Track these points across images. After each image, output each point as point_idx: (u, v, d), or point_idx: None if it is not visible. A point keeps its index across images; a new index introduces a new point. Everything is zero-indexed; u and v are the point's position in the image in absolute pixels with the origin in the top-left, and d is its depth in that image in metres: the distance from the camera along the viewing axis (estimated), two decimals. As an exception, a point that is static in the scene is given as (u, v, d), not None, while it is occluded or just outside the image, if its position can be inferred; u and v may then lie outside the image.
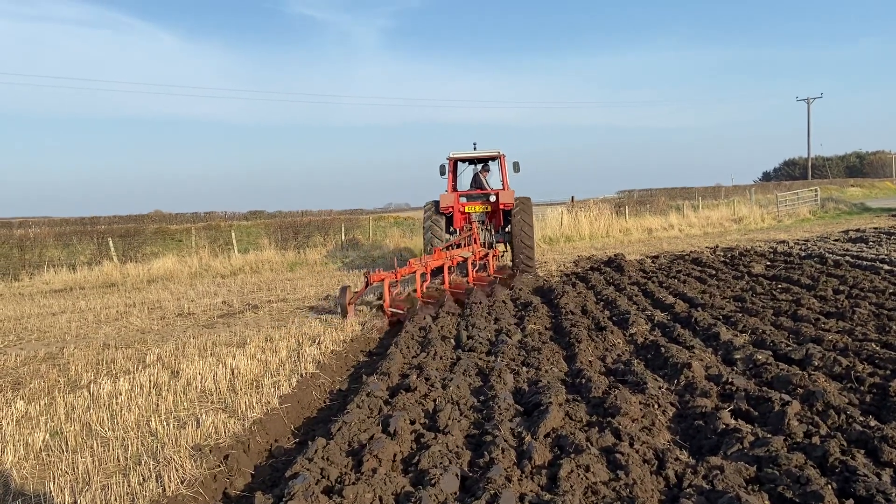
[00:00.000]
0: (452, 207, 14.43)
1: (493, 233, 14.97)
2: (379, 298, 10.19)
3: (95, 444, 4.79)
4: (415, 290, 10.58)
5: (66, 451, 4.74)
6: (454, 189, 15.10)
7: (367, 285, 9.97)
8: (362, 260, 20.39)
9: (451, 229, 14.79)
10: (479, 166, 15.71)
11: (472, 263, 12.31)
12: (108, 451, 4.67)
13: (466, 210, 14.79)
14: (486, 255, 13.45)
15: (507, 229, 14.72)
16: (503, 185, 14.89)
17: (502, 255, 15.92)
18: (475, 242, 13.69)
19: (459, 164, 15.44)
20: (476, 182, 15.59)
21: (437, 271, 11.87)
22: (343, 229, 24.78)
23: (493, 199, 14.52)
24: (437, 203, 14.46)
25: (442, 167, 14.97)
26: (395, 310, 9.55)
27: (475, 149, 14.92)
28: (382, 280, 9.66)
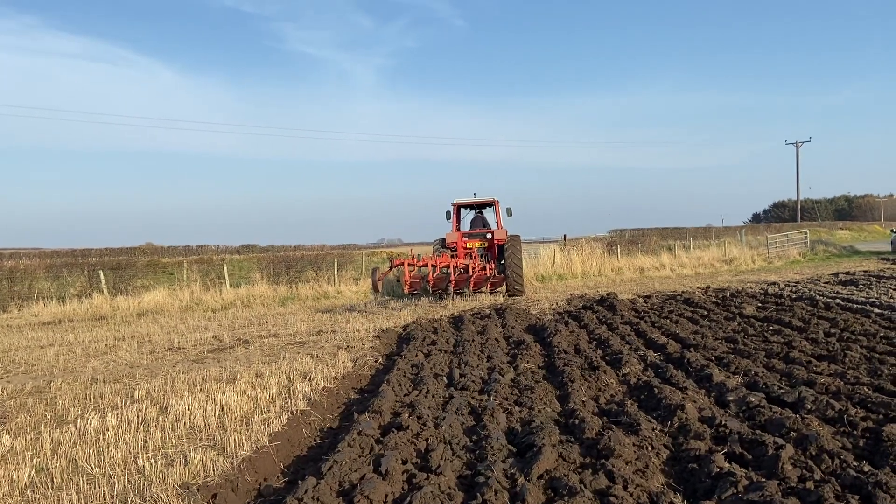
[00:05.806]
0: (456, 243, 17.37)
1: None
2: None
3: (81, 482, 4.71)
4: (427, 279, 14.71)
5: (52, 487, 4.66)
6: (458, 229, 18.18)
7: (391, 267, 14.66)
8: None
9: None
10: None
11: (472, 268, 15.93)
12: (95, 488, 4.59)
13: (468, 246, 17.73)
14: (484, 267, 16.53)
15: (501, 261, 17.40)
16: (497, 225, 18.18)
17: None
18: (474, 259, 16.98)
19: (462, 209, 18.65)
20: (477, 222, 18.83)
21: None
22: (336, 264, 24.77)
23: (489, 236, 17.74)
24: (444, 240, 17.54)
25: (448, 213, 18.10)
26: (413, 280, 14.20)
27: (475, 196, 18.15)
28: (403, 263, 13.94)
